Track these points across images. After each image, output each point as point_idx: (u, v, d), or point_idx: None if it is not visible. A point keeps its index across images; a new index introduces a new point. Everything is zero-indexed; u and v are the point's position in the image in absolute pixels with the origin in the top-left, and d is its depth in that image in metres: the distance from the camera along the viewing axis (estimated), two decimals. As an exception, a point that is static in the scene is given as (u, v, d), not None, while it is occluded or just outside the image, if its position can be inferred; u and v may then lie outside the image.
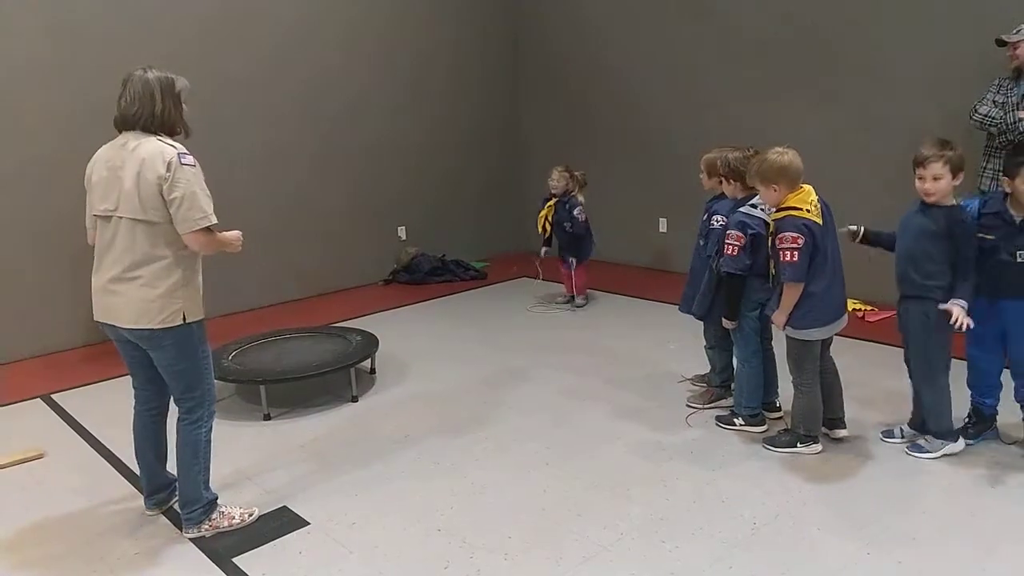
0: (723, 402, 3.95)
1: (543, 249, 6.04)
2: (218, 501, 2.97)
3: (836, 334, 3.40)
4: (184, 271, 2.70)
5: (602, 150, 7.28)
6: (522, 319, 5.70)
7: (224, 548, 2.85)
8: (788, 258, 3.12)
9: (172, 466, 3.02)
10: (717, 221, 3.69)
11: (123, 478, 3.45)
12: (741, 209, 3.48)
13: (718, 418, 3.77)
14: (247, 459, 3.59)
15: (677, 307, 4.08)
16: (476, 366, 4.74)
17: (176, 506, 3.01)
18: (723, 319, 3.63)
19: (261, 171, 6.13)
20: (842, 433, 3.48)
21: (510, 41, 7.80)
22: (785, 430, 3.50)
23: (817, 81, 5.71)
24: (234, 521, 2.95)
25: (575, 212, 5.71)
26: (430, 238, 7.25)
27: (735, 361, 3.77)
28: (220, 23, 5.79)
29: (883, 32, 5.35)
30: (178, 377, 2.79)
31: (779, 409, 3.78)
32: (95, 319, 2.78)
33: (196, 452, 2.86)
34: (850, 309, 5.42)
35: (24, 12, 4.92)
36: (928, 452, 3.32)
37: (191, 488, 2.87)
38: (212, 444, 2.95)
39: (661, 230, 6.96)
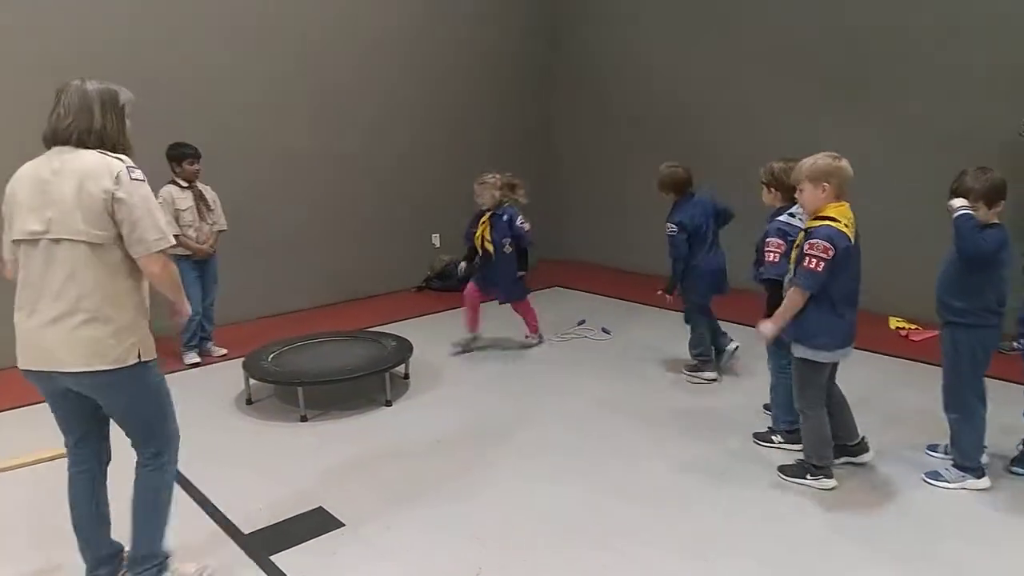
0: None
1: (461, 264, 5.25)
2: (168, 560, 2.61)
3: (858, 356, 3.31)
4: (135, 302, 2.35)
5: (637, 160, 7.27)
6: (555, 328, 5.70)
7: (262, 546, 2.91)
8: (812, 265, 2.97)
9: (119, 531, 2.59)
10: (667, 227, 4.37)
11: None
12: (780, 218, 3.48)
13: (756, 435, 3.73)
14: (283, 459, 3.66)
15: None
16: (509, 375, 4.78)
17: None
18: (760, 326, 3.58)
19: (299, 176, 6.24)
20: (866, 457, 3.40)
21: (548, 48, 7.83)
22: (799, 460, 3.37)
23: (865, 95, 5.66)
24: None
25: (518, 222, 4.90)
26: (464, 246, 7.29)
27: (772, 375, 3.71)
28: (254, 26, 5.90)
29: (933, 45, 5.31)
30: (137, 422, 2.44)
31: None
32: (22, 367, 2.33)
33: (157, 500, 2.50)
34: (893, 327, 5.40)
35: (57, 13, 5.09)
36: (945, 481, 3.24)
37: (147, 542, 2.50)
38: (171, 484, 2.57)
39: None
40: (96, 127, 2.29)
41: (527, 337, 5.33)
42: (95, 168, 2.22)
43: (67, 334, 2.24)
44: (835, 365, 3.28)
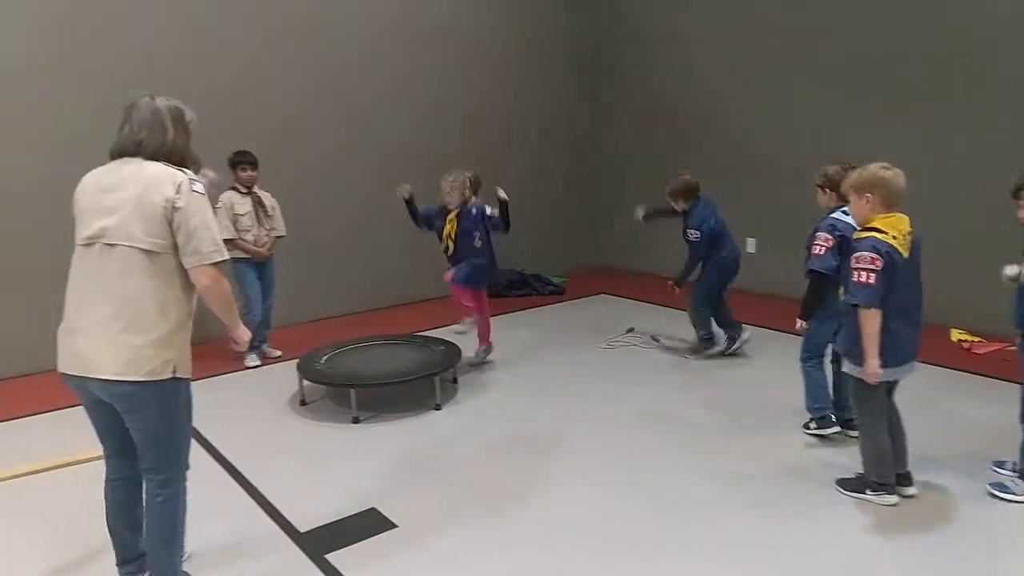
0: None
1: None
2: None
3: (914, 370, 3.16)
4: (180, 315, 2.33)
5: (684, 166, 7.18)
6: (601, 335, 5.70)
7: (318, 544, 2.97)
8: (863, 279, 2.88)
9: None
10: (690, 234, 4.92)
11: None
12: (832, 215, 3.54)
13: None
14: (337, 460, 3.73)
15: (762, 329, 4.03)
16: (555, 381, 4.78)
17: None
18: (798, 318, 3.67)
19: (348, 180, 6.33)
20: (910, 491, 3.22)
21: (594, 50, 7.80)
22: (858, 475, 3.27)
23: (925, 104, 5.55)
24: None
25: (488, 212, 4.78)
26: (509, 252, 7.33)
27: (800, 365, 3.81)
28: (294, 35, 5.99)
29: (996, 50, 5.17)
30: (153, 444, 2.37)
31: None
32: (60, 371, 2.34)
33: (173, 532, 2.47)
34: (955, 340, 5.26)
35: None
36: (1012, 494, 3.15)
37: (167, 569, 2.49)
38: (184, 513, 2.53)
39: (748, 250, 6.83)
40: (168, 142, 2.35)
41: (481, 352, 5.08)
42: (158, 177, 2.27)
43: (107, 339, 2.24)
44: (894, 382, 3.17)
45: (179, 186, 2.26)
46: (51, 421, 4.22)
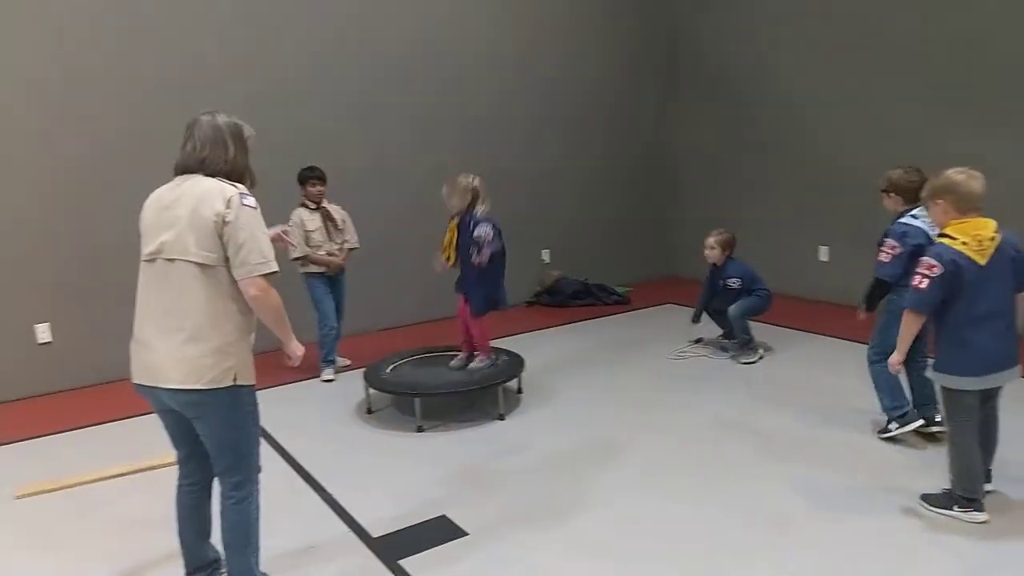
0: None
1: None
2: None
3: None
4: (238, 325, 2.40)
5: (756, 173, 7.11)
6: (667, 345, 5.64)
7: (390, 550, 3.02)
8: (916, 283, 2.93)
9: (215, 539, 2.70)
10: (732, 282, 5.24)
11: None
12: (901, 220, 3.55)
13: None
14: (404, 468, 3.79)
15: (837, 340, 3.96)
16: (621, 391, 4.76)
17: None
18: (857, 307, 3.77)
19: (414, 190, 6.39)
20: (986, 487, 3.14)
21: (663, 53, 7.73)
22: (945, 490, 3.14)
23: (1002, 103, 5.35)
24: None
25: (476, 232, 4.32)
26: (573, 261, 7.35)
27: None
28: (347, 44, 6.12)
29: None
30: (223, 449, 2.45)
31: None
32: (133, 381, 2.46)
33: (247, 534, 2.54)
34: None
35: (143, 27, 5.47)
36: None
37: (243, 572, 2.57)
38: (257, 516, 2.59)
39: (822, 259, 6.67)
40: (230, 159, 2.43)
41: (464, 359, 4.69)
42: (210, 192, 2.34)
43: (170, 351, 2.33)
44: (986, 392, 3.04)
45: (229, 200, 2.33)
46: (127, 428, 4.41)
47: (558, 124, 7.20)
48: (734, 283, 5.26)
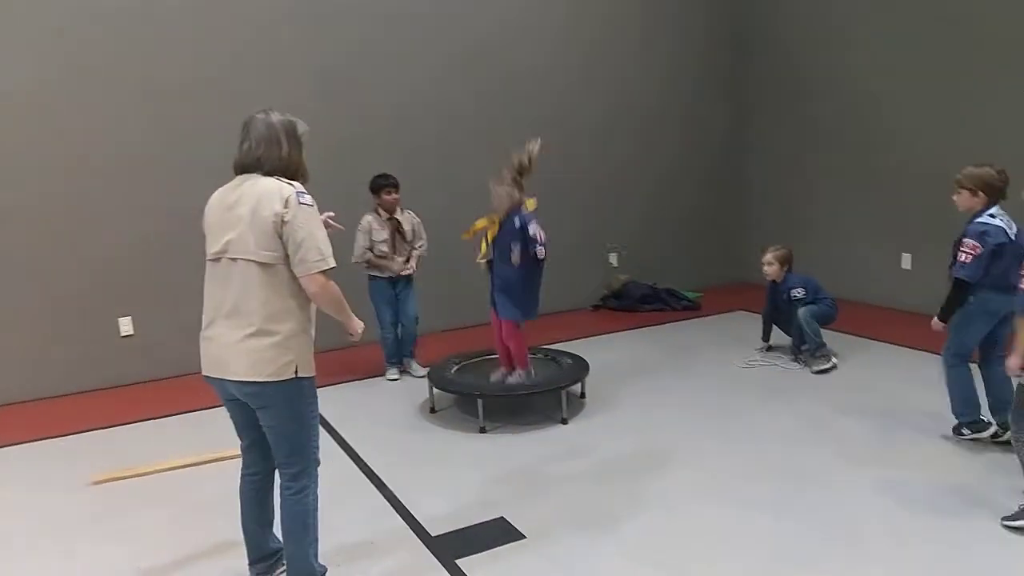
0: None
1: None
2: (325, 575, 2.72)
3: None
4: (298, 320, 2.46)
5: (834, 177, 6.84)
6: (737, 353, 5.47)
7: (448, 549, 3.01)
8: None
9: (277, 530, 2.73)
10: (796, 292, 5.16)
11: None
12: (979, 219, 3.50)
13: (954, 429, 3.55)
14: (465, 468, 3.77)
15: (917, 351, 3.79)
16: (687, 398, 4.63)
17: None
18: (935, 318, 3.66)
19: (481, 190, 6.34)
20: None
21: (735, 53, 7.54)
22: (1022, 506, 3.00)
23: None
24: None
25: (531, 231, 4.10)
26: (642, 265, 7.22)
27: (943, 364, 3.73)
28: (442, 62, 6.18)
29: None
30: (283, 439, 2.52)
31: None
32: (202, 373, 2.55)
33: (305, 524, 2.58)
34: None
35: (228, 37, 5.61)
36: None
37: (302, 564, 2.60)
38: (316, 507, 2.62)
39: (904, 267, 6.35)
40: (284, 156, 2.47)
41: (505, 375, 4.45)
42: (269, 193, 2.39)
43: (235, 345, 2.41)
44: None
45: (287, 200, 2.38)
46: (200, 419, 4.54)
47: (627, 125, 7.09)
48: (798, 293, 5.16)
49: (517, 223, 4.13)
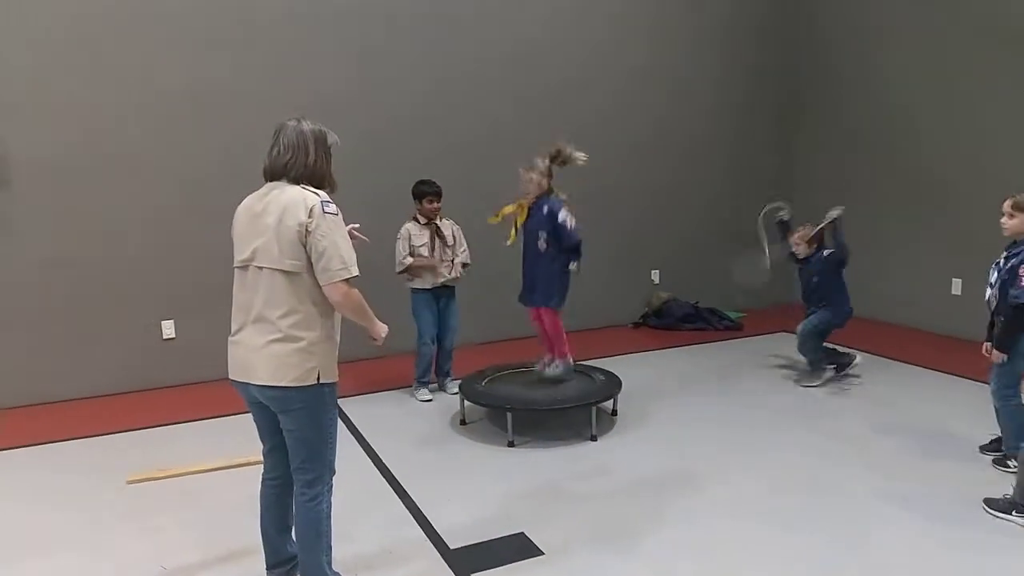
0: None
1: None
2: None
3: None
4: (323, 326, 2.50)
5: (882, 198, 6.65)
6: (777, 376, 5.33)
7: (465, 562, 2.98)
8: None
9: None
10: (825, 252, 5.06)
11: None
12: None
13: (992, 457, 3.60)
14: (490, 481, 3.74)
15: (965, 380, 3.64)
16: (722, 420, 4.52)
17: None
18: (995, 349, 3.55)
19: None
20: None
21: (786, 71, 7.41)
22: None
23: None
24: None
25: (560, 218, 4.13)
26: (684, 283, 7.11)
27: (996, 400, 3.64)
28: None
29: None
30: (301, 444, 2.55)
31: None
32: (230, 378, 2.60)
33: (318, 531, 2.61)
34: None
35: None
36: None
37: (315, 571, 2.63)
38: (329, 514, 2.65)
39: (954, 292, 6.12)
40: (310, 164, 2.51)
41: (547, 362, 4.51)
42: (294, 202, 2.42)
43: (260, 349, 2.46)
44: None
45: (311, 210, 2.41)
46: (234, 424, 4.60)
47: (671, 141, 7.01)
48: (827, 252, 5.08)
49: (545, 210, 4.16)
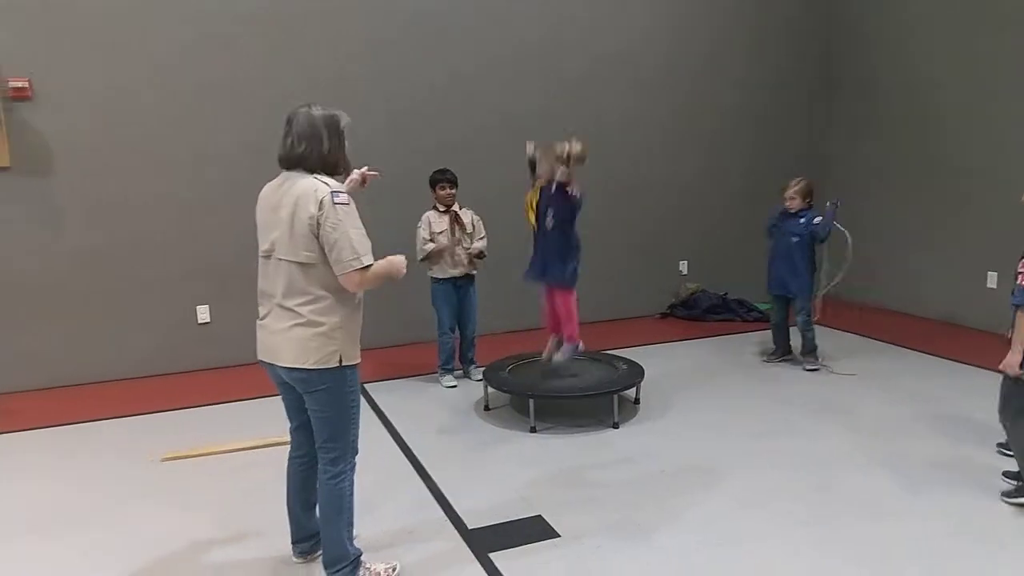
0: None
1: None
2: (362, 558, 2.78)
3: None
4: (343, 312, 2.56)
5: (916, 190, 6.54)
6: (803, 368, 5.29)
7: (483, 542, 3.05)
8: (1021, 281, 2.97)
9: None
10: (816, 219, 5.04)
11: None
12: None
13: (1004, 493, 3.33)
14: (511, 465, 3.81)
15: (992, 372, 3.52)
16: (744, 412, 4.52)
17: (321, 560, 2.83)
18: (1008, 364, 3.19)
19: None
20: None
21: (817, 63, 7.30)
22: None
23: None
24: None
25: (572, 191, 4.13)
26: (713, 274, 7.08)
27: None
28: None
29: None
30: (324, 424, 2.62)
31: None
32: (258, 358, 2.68)
33: (340, 508, 2.68)
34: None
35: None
36: None
37: (337, 546, 2.70)
38: (354, 495, 2.73)
39: (990, 285, 5.99)
40: (324, 151, 2.54)
41: (555, 347, 4.47)
42: (305, 195, 2.46)
43: (283, 332, 2.54)
44: None
45: (321, 202, 2.45)
46: (265, 405, 4.72)
47: (701, 131, 6.97)
48: (819, 219, 5.15)
49: (554, 187, 4.18)
